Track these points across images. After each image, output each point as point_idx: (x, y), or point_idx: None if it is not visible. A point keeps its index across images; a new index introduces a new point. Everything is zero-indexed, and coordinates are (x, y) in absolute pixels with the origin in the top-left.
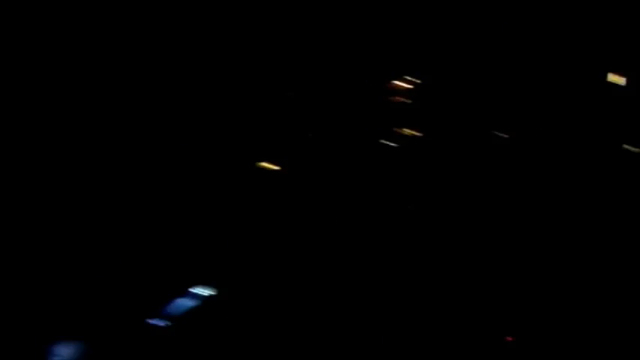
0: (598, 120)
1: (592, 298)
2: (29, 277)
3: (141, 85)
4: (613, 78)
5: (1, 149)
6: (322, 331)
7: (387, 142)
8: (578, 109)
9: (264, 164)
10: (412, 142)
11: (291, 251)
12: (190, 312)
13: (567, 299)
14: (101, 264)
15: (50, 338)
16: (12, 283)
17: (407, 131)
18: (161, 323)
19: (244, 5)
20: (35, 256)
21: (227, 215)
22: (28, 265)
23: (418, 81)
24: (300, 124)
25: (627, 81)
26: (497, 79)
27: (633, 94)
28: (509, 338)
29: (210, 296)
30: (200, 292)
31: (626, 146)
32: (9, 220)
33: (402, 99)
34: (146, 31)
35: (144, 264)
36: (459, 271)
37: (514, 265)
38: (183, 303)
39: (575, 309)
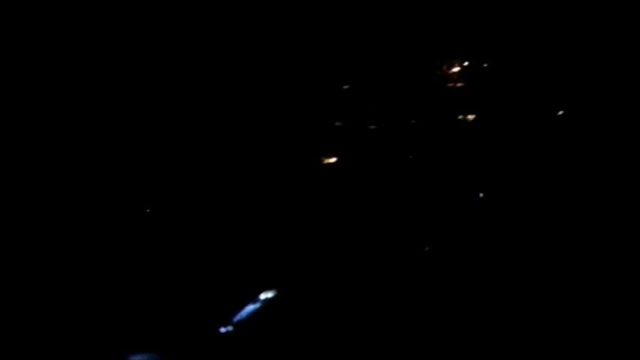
0: None
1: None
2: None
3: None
4: None
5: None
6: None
7: (444, 128)
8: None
9: (324, 158)
10: (470, 128)
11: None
12: (255, 316)
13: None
14: (167, 274)
15: (121, 348)
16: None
17: (463, 116)
18: (229, 329)
19: None
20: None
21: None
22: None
23: (467, 63)
24: (352, 114)
25: None
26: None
27: None
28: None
29: (272, 299)
30: (264, 296)
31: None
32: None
33: (456, 83)
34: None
35: (208, 271)
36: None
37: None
38: (249, 308)
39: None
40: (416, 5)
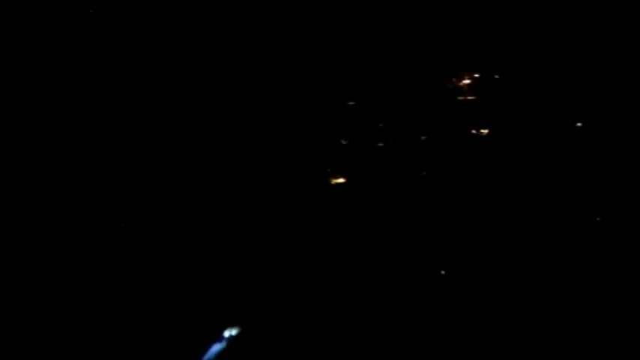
0: None
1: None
2: None
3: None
4: None
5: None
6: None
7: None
8: None
9: (331, 179)
10: (482, 142)
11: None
12: (223, 356)
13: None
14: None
15: None
16: None
17: (476, 131)
18: None
19: None
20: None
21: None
22: None
23: (477, 75)
24: (359, 130)
25: None
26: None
27: None
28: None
29: (237, 336)
30: (228, 334)
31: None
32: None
33: (467, 96)
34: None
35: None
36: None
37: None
38: (216, 347)
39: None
40: (423, 16)
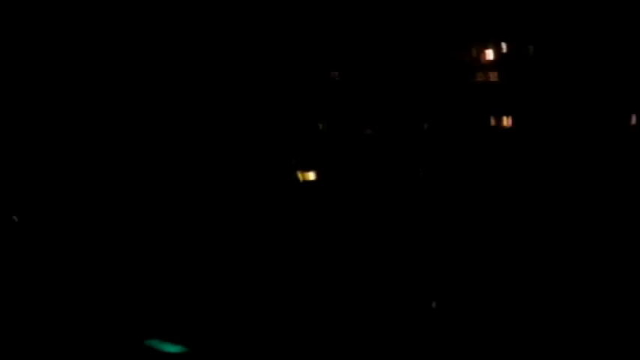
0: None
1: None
2: None
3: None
4: None
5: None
6: None
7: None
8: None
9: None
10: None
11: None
12: None
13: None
14: None
15: None
16: None
17: (496, 121)
18: None
19: None
20: None
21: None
22: None
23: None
24: (341, 113)
25: None
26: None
27: None
28: None
29: None
30: None
31: None
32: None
33: (488, 74)
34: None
35: None
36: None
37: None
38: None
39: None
40: None
